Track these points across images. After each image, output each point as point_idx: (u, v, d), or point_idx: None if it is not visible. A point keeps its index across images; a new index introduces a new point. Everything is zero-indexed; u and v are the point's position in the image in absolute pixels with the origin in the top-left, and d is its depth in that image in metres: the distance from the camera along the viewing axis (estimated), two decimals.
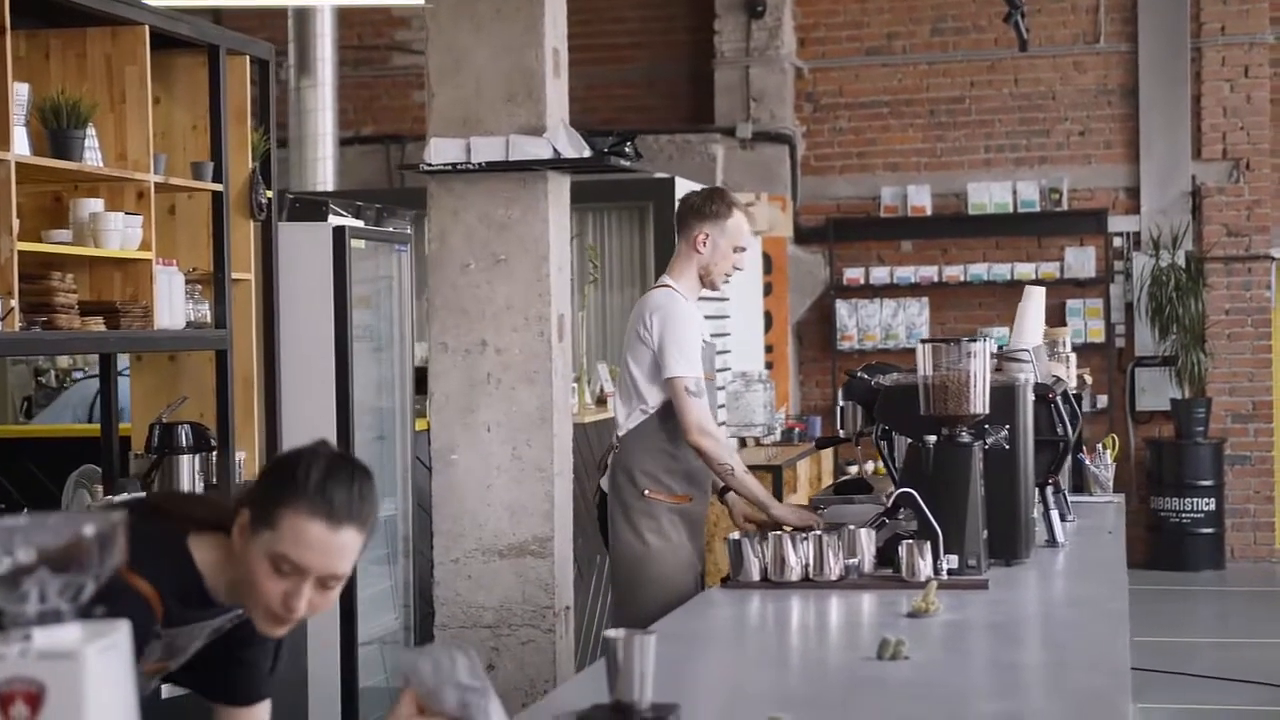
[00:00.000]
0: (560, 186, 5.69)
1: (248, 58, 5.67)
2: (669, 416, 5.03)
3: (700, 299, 5.21)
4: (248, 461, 5.66)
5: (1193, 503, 11.94)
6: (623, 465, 5.12)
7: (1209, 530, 11.98)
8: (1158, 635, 9.53)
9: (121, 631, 1.69)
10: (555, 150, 5.46)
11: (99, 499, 5.19)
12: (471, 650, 2.31)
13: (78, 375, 8.04)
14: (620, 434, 5.16)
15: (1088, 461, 6.18)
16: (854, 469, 10.17)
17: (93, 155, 4.74)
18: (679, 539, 5.07)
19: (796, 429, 10.67)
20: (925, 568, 4.02)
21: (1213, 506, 11.96)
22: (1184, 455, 11.99)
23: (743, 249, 5.18)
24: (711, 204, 5.17)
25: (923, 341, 4.29)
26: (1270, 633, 9.92)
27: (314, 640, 5.87)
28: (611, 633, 2.62)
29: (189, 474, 5.19)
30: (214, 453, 5.37)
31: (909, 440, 4.37)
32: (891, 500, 4.24)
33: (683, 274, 5.16)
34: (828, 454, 10.64)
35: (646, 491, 5.06)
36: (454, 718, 2.32)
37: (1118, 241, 12.46)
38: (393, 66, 13.35)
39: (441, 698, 2.31)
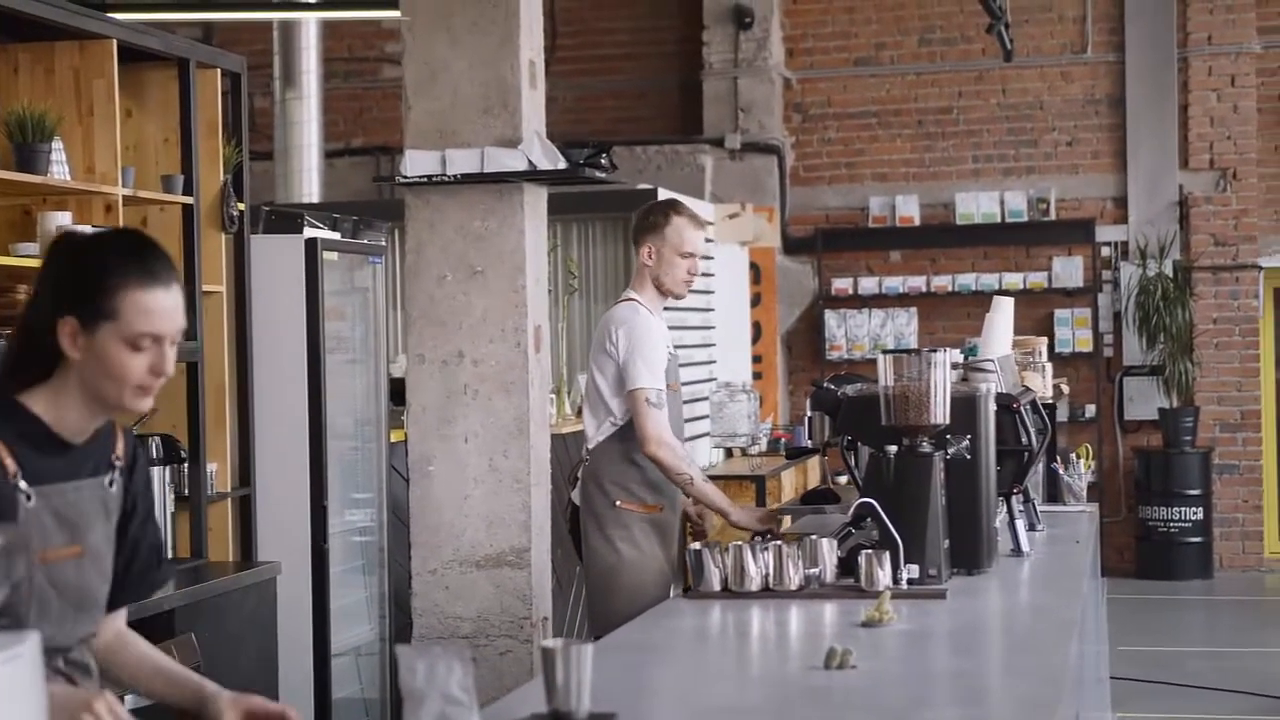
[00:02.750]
0: (536, 198, 5.70)
1: (219, 71, 5.70)
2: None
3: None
4: (219, 473, 5.67)
5: (1181, 512, 11.94)
6: (593, 477, 5.18)
7: (1197, 539, 11.98)
8: (1145, 645, 9.54)
9: (28, 643, 1.70)
10: (530, 162, 5.48)
11: None
12: (470, 662, 2.32)
13: None
14: (590, 446, 5.23)
15: (1061, 471, 6.18)
16: (844, 479, 10.15)
17: (60, 169, 4.76)
18: (651, 549, 5.11)
19: (783, 439, 10.68)
20: (884, 578, 4.03)
21: (1201, 516, 11.97)
22: (1172, 464, 12.00)
23: (690, 254, 5.22)
24: (650, 216, 5.27)
25: (883, 352, 4.31)
26: (1257, 642, 9.93)
27: (287, 650, 5.88)
28: (548, 643, 2.64)
29: (159, 485, 5.20)
30: (185, 464, 5.39)
31: (871, 450, 4.39)
32: (853, 510, 4.25)
33: (643, 287, 5.25)
34: (814, 464, 10.65)
35: (618, 502, 5.12)
36: None
37: (1105, 251, 12.48)
38: (382, 79, 13.37)
39: (422, 703, 2.32)
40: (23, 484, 2.56)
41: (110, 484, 2.72)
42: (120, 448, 2.75)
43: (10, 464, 2.55)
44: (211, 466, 5.59)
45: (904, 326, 12.56)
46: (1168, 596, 11.47)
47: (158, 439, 5.28)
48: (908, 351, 4.28)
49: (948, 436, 4.32)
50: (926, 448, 4.24)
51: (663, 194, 8.89)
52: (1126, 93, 12.42)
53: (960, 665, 3.45)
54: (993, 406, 4.54)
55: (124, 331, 2.57)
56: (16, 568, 1.69)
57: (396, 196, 11.19)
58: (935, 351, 4.26)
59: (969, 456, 4.37)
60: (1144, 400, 12.31)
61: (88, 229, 2.69)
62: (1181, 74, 12.37)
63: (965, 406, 4.38)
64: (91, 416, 2.65)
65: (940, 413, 4.23)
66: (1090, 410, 12.27)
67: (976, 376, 4.93)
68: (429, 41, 5.63)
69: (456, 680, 2.36)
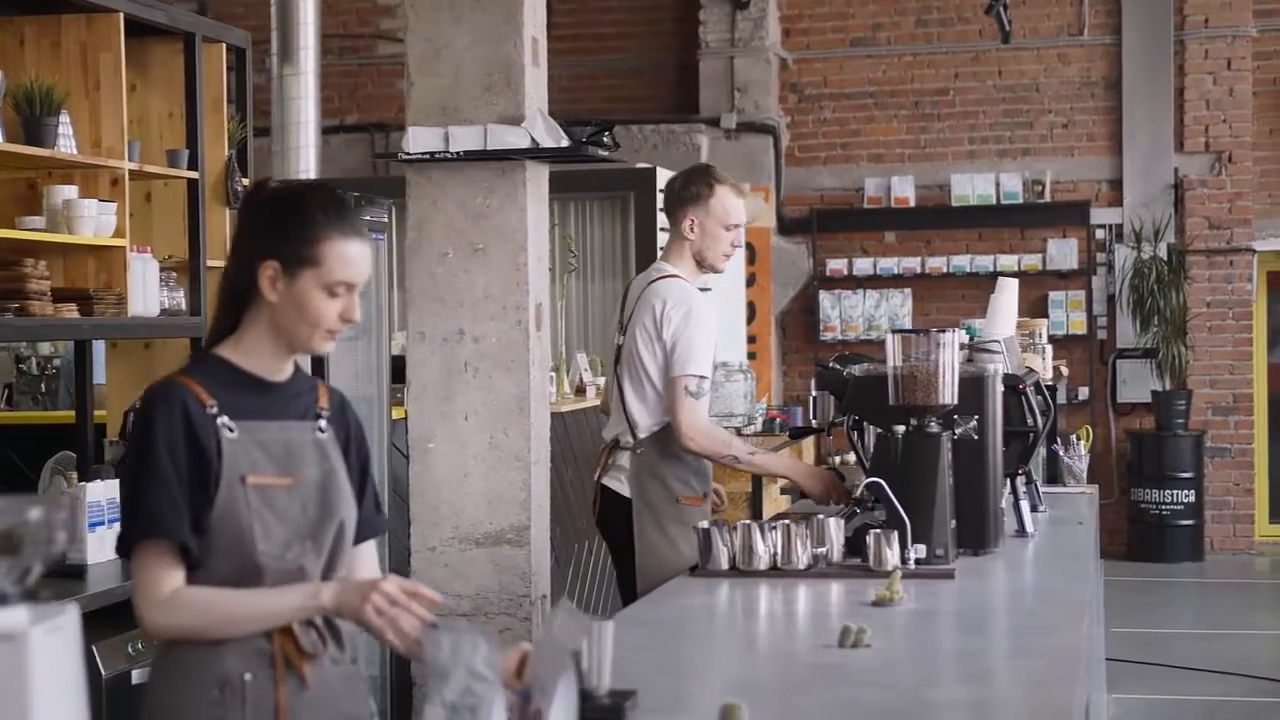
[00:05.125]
0: (538, 176, 5.69)
1: (224, 45, 5.68)
2: None
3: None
4: None
5: (1173, 494, 11.98)
6: (650, 470, 4.91)
7: (1188, 522, 12.02)
8: (1136, 626, 9.57)
9: (69, 615, 1.70)
10: (533, 140, 5.46)
11: (74, 485, 5.19)
12: (495, 639, 2.32)
13: (58, 363, 8.02)
14: (640, 435, 4.93)
15: (1062, 453, 6.19)
16: (837, 459, 10.17)
17: (66, 142, 4.75)
18: None
19: (778, 419, 10.68)
20: (892, 557, 4.04)
21: (1192, 498, 12.01)
22: (1164, 447, 12.03)
23: (735, 225, 4.94)
24: (691, 186, 4.97)
25: (892, 332, 4.31)
26: (1248, 624, 9.97)
27: None
28: None
29: None
30: None
31: (878, 430, 4.39)
32: (860, 490, 4.26)
33: (681, 261, 4.99)
34: (810, 444, 10.66)
35: (680, 498, 4.90)
36: (451, 701, 2.32)
37: (1100, 233, 12.50)
38: (378, 55, 13.35)
39: (447, 678, 2.32)
40: (223, 418, 2.73)
41: (320, 430, 2.86)
42: (325, 400, 2.90)
43: (209, 400, 2.73)
44: None
45: (899, 308, 12.57)
46: (1159, 579, 11.51)
47: None
48: (916, 332, 4.28)
49: (955, 417, 4.32)
50: (934, 428, 4.24)
51: (663, 175, 8.89)
52: (1123, 75, 12.43)
53: (972, 645, 3.45)
54: (1000, 387, 4.54)
55: (324, 278, 2.75)
56: (56, 542, 1.69)
57: (393, 173, 11.22)
58: (944, 332, 4.27)
59: (976, 437, 4.37)
60: (1137, 383, 12.34)
61: (277, 182, 2.89)
62: (1178, 57, 12.38)
63: (973, 387, 4.38)
64: (279, 358, 2.82)
65: (948, 393, 4.23)
66: (1084, 393, 12.30)
67: (983, 357, 4.94)
68: (432, 18, 5.62)
69: (481, 657, 2.36)
